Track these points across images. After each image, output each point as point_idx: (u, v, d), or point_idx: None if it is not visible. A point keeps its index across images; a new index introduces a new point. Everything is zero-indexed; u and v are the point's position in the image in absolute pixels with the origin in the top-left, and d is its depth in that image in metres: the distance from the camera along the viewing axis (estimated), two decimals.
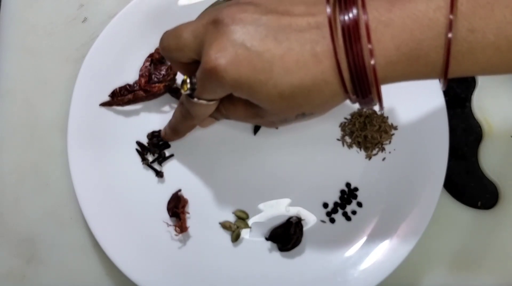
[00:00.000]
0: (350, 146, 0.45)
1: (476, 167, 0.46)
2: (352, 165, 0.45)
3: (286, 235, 0.42)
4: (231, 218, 0.44)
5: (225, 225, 0.43)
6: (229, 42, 0.29)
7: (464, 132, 0.46)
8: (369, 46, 0.28)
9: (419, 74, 0.30)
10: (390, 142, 0.45)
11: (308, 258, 0.43)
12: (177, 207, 0.43)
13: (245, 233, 0.44)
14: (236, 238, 0.43)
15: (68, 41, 0.49)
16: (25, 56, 0.49)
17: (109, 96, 0.45)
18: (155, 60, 0.45)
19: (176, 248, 0.43)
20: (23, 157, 0.47)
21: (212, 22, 0.31)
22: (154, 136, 0.45)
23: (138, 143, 0.45)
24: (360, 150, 0.45)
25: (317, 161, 0.45)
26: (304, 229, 0.43)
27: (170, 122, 0.42)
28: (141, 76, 0.45)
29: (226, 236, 0.44)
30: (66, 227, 0.45)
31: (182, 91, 0.34)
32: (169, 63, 0.45)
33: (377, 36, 0.28)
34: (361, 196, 0.44)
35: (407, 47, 0.28)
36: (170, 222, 0.43)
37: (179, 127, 0.41)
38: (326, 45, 0.28)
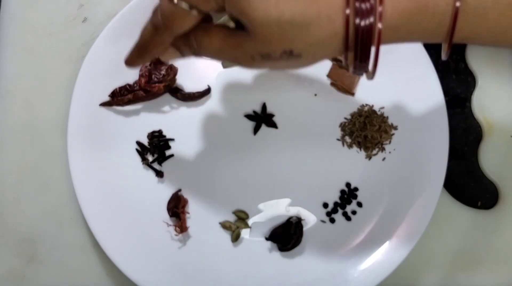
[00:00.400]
0: (350, 146, 0.45)
1: (476, 167, 0.46)
2: (352, 165, 0.45)
3: (286, 235, 0.42)
4: (231, 218, 0.44)
5: (225, 225, 0.43)
6: None
7: (464, 132, 0.46)
8: None
9: (424, 30, 0.28)
10: (390, 142, 0.45)
11: (308, 258, 0.43)
12: (177, 207, 0.43)
13: (245, 233, 0.44)
14: (236, 238, 0.43)
15: (68, 41, 0.49)
16: (25, 56, 0.49)
17: (109, 96, 0.45)
18: (155, 60, 0.45)
19: (176, 248, 0.43)
20: (23, 157, 0.47)
21: None
22: (154, 136, 0.45)
23: (138, 143, 0.45)
24: (360, 150, 0.45)
25: (317, 161, 0.45)
26: (304, 229, 0.43)
27: (137, 41, 0.36)
28: (141, 76, 0.45)
29: (226, 236, 0.44)
30: (66, 227, 0.45)
31: None
32: (169, 63, 0.45)
33: None
34: (361, 196, 0.44)
35: None
36: (170, 222, 0.43)
37: (146, 43, 0.34)
38: None
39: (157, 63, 0.45)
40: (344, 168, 0.45)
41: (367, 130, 0.44)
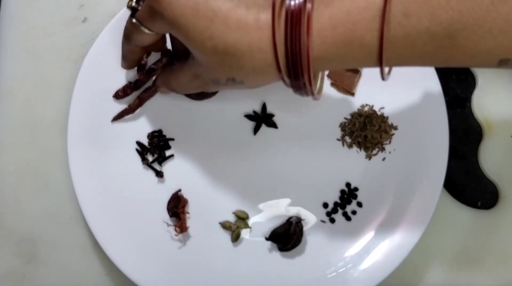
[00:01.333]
0: (350, 146, 0.45)
1: (476, 167, 0.46)
2: (352, 165, 0.45)
3: (286, 235, 0.42)
4: (231, 218, 0.44)
5: (225, 225, 0.43)
6: None
7: (464, 132, 0.46)
8: (306, 21, 0.27)
9: (355, 59, 0.30)
10: (390, 142, 0.45)
11: (308, 258, 0.43)
12: (177, 207, 0.43)
13: (245, 233, 0.44)
14: (236, 238, 0.43)
15: (68, 41, 0.49)
16: (25, 56, 0.49)
17: (113, 96, 0.45)
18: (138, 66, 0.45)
19: (176, 248, 0.43)
20: (23, 157, 0.47)
21: None
22: (154, 136, 0.45)
23: (138, 143, 0.45)
24: (360, 150, 0.45)
25: (317, 161, 0.45)
26: (304, 229, 0.43)
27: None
28: (138, 69, 0.45)
29: (226, 236, 0.44)
30: (66, 227, 0.45)
31: (127, 6, 0.35)
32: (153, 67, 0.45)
33: (317, 14, 0.28)
34: (361, 196, 0.44)
35: (343, 27, 0.28)
36: (170, 222, 0.43)
37: (123, 51, 0.40)
38: (270, 14, 0.28)
39: (139, 69, 0.45)
40: (344, 168, 0.45)
41: (367, 130, 0.44)
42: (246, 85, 0.32)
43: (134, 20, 0.34)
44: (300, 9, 0.28)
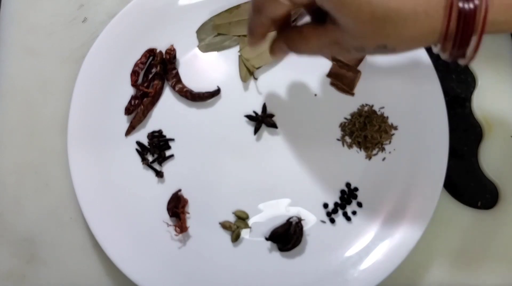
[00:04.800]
0: (350, 146, 0.45)
1: (476, 167, 0.46)
2: (352, 165, 0.45)
3: (286, 235, 0.42)
4: (231, 218, 0.44)
5: (225, 225, 0.43)
6: None
7: (464, 132, 0.46)
8: None
9: None
10: (390, 142, 0.45)
11: (308, 258, 0.43)
12: (177, 207, 0.43)
13: (245, 233, 0.44)
14: (236, 238, 0.43)
15: (68, 41, 0.49)
16: (25, 56, 0.49)
17: (125, 114, 0.45)
18: (158, 59, 0.45)
19: (176, 248, 0.43)
20: (23, 157, 0.47)
21: None
22: (154, 136, 0.45)
23: (138, 143, 0.45)
24: (360, 150, 0.45)
25: (317, 161, 0.45)
26: (304, 229, 0.43)
27: (247, 23, 0.38)
28: (132, 73, 0.45)
29: (226, 236, 0.44)
30: (66, 227, 0.45)
31: None
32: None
33: None
34: (361, 196, 0.44)
35: None
36: (170, 222, 0.43)
37: (250, 23, 0.36)
38: None
39: (137, 88, 0.45)
40: (344, 168, 0.44)
41: (367, 130, 0.44)
42: (394, 51, 0.30)
43: None
44: None
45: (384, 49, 0.29)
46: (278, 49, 0.36)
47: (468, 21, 0.27)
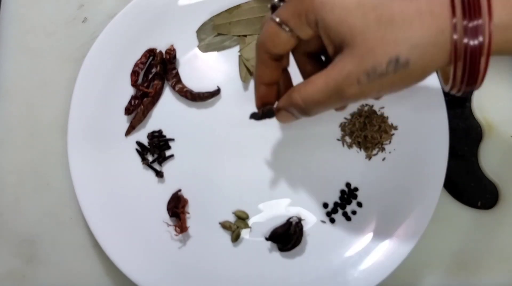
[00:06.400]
0: (350, 146, 0.45)
1: (476, 167, 0.46)
2: (352, 165, 0.45)
3: (286, 235, 0.42)
4: (231, 218, 0.44)
5: (225, 225, 0.43)
6: None
7: (464, 132, 0.46)
8: None
9: None
10: (390, 142, 0.45)
11: (308, 258, 0.43)
12: (177, 207, 0.43)
13: (245, 233, 0.44)
14: (236, 238, 0.43)
15: (68, 41, 0.49)
16: (25, 56, 0.49)
17: (125, 114, 0.45)
18: (158, 59, 0.45)
19: (176, 248, 0.43)
20: (23, 157, 0.47)
21: None
22: (154, 136, 0.45)
23: (138, 143, 0.45)
24: (360, 150, 0.45)
25: (317, 161, 0.45)
26: (304, 229, 0.43)
27: None
28: (132, 73, 0.45)
29: (226, 236, 0.44)
30: (66, 227, 0.45)
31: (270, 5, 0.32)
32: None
33: None
34: (361, 196, 0.44)
35: None
36: (170, 222, 0.43)
37: (257, 71, 0.34)
38: None
39: (137, 88, 0.45)
40: (344, 168, 0.44)
41: (367, 130, 0.44)
42: (410, 69, 0.27)
43: (273, 16, 0.30)
44: None
45: (397, 64, 0.27)
46: (287, 106, 0.32)
47: (472, 10, 0.26)
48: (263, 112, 0.35)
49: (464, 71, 0.27)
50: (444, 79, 0.31)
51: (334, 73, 0.29)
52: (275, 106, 0.35)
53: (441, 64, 0.28)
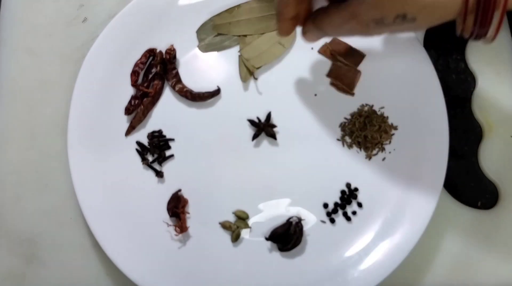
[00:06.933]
0: (350, 146, 0.45)
1: (476, 167, 0.46)
2: (352, 165, 0.45)
3: (286, 235, 0.42)
4: (231, 218, 0.44)
5: (225, 225, 0.43)
6: None
7: (464, 132, 0.46)
8: None
9: None
10: (390, 142, 0.45)
11: (308, 258, 0.43)
12: (177, 207, 0.43)
13: (245, 233, 0.44)
14: (236, 238, 0.43)
15: (68, 41, 0.49)
16: (25, 56, 0.49)
17: (125, 114, 0.45)
18: (158, 59, 0.45)
19: (176, 248, 0.43)
20: (23, 157, 0.47)
21: None
22: (154, 136, 0.45)
23: (138, 143, 0.45)
24: (360, 150, 0.45)
25: (317, 161, 0.45)
26: (304, 229, 0.43)
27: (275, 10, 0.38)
28: (132, 73, 0.45)
29: (226, 236, 0.44)
30: (66, 227, 0.45)
31: None
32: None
33: None
34: (361, 196, 0.44)
35: None
36: (170, 222, 0.43)
37: (279, 7, 0.36)
38: None
39: (137, 88, 0.45)
40: (344, 168, 0.44)
41: (367, 130, 0.44)
42: (416, 24, 0.29)
43: None
44: None
45: (403, 19, 0.28)
46: (309, 32, 0.37)
47: None
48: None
49: (476, 21, 0.28)
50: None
51: (347, 14, 0.32)
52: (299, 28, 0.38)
53: (449, 19, 0.28)
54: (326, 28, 0.35)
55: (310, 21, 0.36)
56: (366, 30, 0.32)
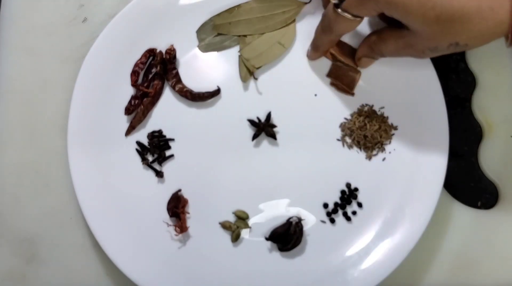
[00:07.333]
0: (350, 146, 0.45)
1: (476, 167, 0.46)
2: (352, 165, 0.45)
3: (286, 235, 0.42)
4: (231, 218, 0.44)
5: (225, 225, 0.43)
6: None
7: (464, 132, 0.46)
8: None
9: None
10: (390, 142, 0.45)
11: (308, 258, 0.43)
12: (177, 207, 0.43)
13: (245, 233, 0.44)
14: (236, 238, 0.43)
15: (68, 41, 0.49)
16: (25, 56, 0.49)
17: (125, 114, 0.45)
18: (158, 59, 0.45)
19: (176, 248, 0.43)
20: (23, 157, 0.47)
21: None
22: (154, 136, 0.45)
23: (138, 143, 0.45)
24: (360, 150, 0.45)
25: (317, 161, 0.45)
26: (304, 229, 0.43)
27: (313, 39, 0.43)
28: (132, 73, 0.45)
29: (226, 236, 0.44)
30: (66, 227, 0.45)
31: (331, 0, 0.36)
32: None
33: None
34: (361, 196, 0.44)
35: None
36: (170, 222, 0.43)
37: (318, 42, 0.41)
38: None
39: (137, 88, 0.45)
40: (344, 168, 0.44)
41: (367, 130, 0.44)
42: (468, 47, 0.32)
43: (340, 11, 0.36)
44: None
45: (456, 46, 0.31)
46: (365, 54, 0.41)
47: None
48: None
49: None
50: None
51: (403, 43, 0.35)
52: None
53: (497, 39, 0.31)
54: (385, 52, 0.39)
55: (366, 45, 0.40)
56: (422, 55, 0.36)
